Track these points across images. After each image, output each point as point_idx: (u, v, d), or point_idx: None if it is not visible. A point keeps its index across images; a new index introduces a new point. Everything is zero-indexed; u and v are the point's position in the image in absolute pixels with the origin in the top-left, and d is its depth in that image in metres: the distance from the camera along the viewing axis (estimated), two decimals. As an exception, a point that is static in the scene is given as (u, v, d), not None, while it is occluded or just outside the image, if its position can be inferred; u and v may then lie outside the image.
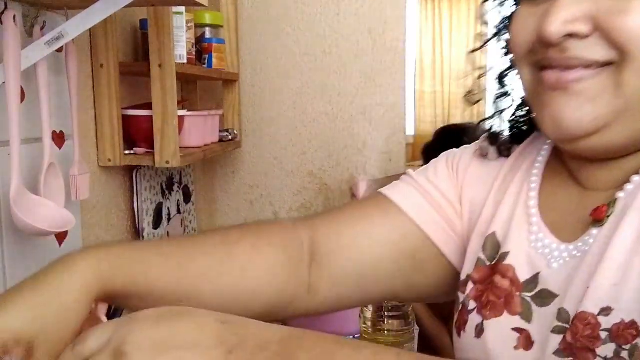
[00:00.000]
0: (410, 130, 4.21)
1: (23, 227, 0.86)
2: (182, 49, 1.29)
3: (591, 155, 0.57)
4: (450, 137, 1.65)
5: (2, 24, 0.83)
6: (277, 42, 1.86)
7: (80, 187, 1.03)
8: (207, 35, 1.55)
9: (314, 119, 1.88)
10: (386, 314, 1.11)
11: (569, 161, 0.61)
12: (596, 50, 0.50)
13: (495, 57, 0.68)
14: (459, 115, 4.54)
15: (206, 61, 1.53)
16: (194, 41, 1.40)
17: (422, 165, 1.66)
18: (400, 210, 0.70)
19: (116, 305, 0.59)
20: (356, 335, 1.43)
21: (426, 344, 1.46)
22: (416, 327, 1.23)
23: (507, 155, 0.68)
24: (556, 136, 0.56)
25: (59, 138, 1.04)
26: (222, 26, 1.62)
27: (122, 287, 0.55)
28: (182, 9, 1.27)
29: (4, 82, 0.82)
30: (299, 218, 0.73)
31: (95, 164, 1.20)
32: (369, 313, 1.11)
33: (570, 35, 0.50)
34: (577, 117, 0.52)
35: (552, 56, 0.52)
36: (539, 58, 0.54)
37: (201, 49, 1.52)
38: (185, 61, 1.31)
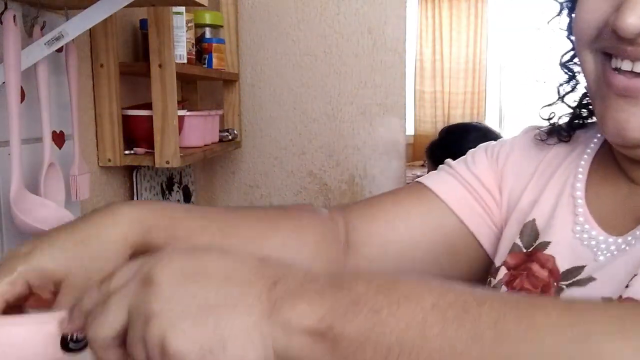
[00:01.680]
0: (410, 130, 4.21)
1: (23, 227, 0.86)
2: (182, 49, 1.29)
3: None
4: (455, 136, 1.65)
5: (2, 24, 0.83)
6: (277, 42, 1.86)
7: (80, 187, 1.03)
8: (207, 35, 1.55)
9: (314, 119, 1.88)
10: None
11: (620, 159, 0.60)
12: None
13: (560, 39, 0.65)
14: (459, 115, 4.54)
15: (206, 61, 1.53)
16: (194, 41, 1.40)
17: (423, 165, 1.65)
18: (438, 198, 0.68)
19: None
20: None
21: None
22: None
23: (567, 140, 0.66)
24: (617, 142, 0.55)
25: (59, 138, 1.04)
26: (222, 26, 1.62)
27: (163, 243, 0.54)
28: (182, 9, 1.27)
29: (4, 82, 0.82)
30: (333, 206, 0.72)
31: (95, 164, 1.20)
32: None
33: None
34: None
35: (623, 47, 0.50)
36: (606, 45, 0.51)
37: (201, 49, 1.52)
38: (185, 61, 1.31)
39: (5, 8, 0.84)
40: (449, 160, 0.73)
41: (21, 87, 0.86)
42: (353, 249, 0.68)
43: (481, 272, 0.70)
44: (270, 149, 1.91)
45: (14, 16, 0.82)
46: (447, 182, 0.69)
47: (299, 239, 0.64)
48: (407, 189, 0.73)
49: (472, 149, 0.73)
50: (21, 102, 0.87)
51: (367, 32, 1.84)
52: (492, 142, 0.73)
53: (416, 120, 4.57)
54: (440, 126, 4.16)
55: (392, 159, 1.89)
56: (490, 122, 4.50)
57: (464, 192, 0.68)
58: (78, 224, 0.51)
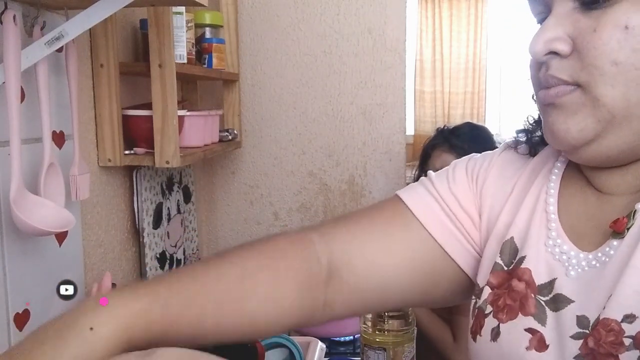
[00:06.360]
0: (410, 130, 4.21)
1: (23, 227, 0.86)
2: (182, 49, 1.29)
3: (596, 163, 0.58)
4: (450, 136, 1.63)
5: (2, 24, 0.83)
6: (277, 42, 1.86)
7: (80, 187, 1.03)
8: (207, 35, 1.55)
9: (314, 119, 1.88)
10: (386, 314, 1.12)
11: (583, 168, 0.62)
12: (569, 72, 0.54)
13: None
14: (459, 115, 4.54)
15: (206, 61, 1.53)
16: (194, 41, 1.40)
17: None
18: (417, 219, 0.69)
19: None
20: (356, 336, 1.43)
21: (427, 345, 1.45)
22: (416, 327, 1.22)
23: (534, 155, 0.68)
24: (555, 146, 0.59)
25: (59, 138, 1.04)
26: (222, 26, 1.62)
27: (144, 337, 0.53)
28: (182, 9, 1.27)
29: (4, 82, 0.82)
30: (313, 228, 0.70)
31: (95, 164, 1.20)
32: (369, 314, 1.11)
33: (555, 54, 0.55)
34: (565, 129, 0.55)
35: (540, 75, 0.57)
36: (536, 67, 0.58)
37: (201, 49, 1.52)
38: (185, 61, 1.31)
39: (5, 8, 0.84)
40: (430, 172, 0.73)
41: (21, 87, 0.86)
42: (335, 276, 0.68)
43: (461, 294, 0.71)
44: (270, 149, 1.91)
45: (14, 16, 0.82)
46: (426, 202, 0.70)
47: (279, 292, 0.63)
48: (389, 210, 0.71)
49: (456, 160, 0.73)
50: (21, 102, 0.88)
51: (367, 32, 1.84)
52: (475, 157, 0.73)
53: (416, 120, 4.57)
54: (439, 126, 4.15)
55: (392, 159, 1.89)
56: (490, 122, 4.50)
57: (441, 214, 0.69)
58: (59, 341, 0.49)
